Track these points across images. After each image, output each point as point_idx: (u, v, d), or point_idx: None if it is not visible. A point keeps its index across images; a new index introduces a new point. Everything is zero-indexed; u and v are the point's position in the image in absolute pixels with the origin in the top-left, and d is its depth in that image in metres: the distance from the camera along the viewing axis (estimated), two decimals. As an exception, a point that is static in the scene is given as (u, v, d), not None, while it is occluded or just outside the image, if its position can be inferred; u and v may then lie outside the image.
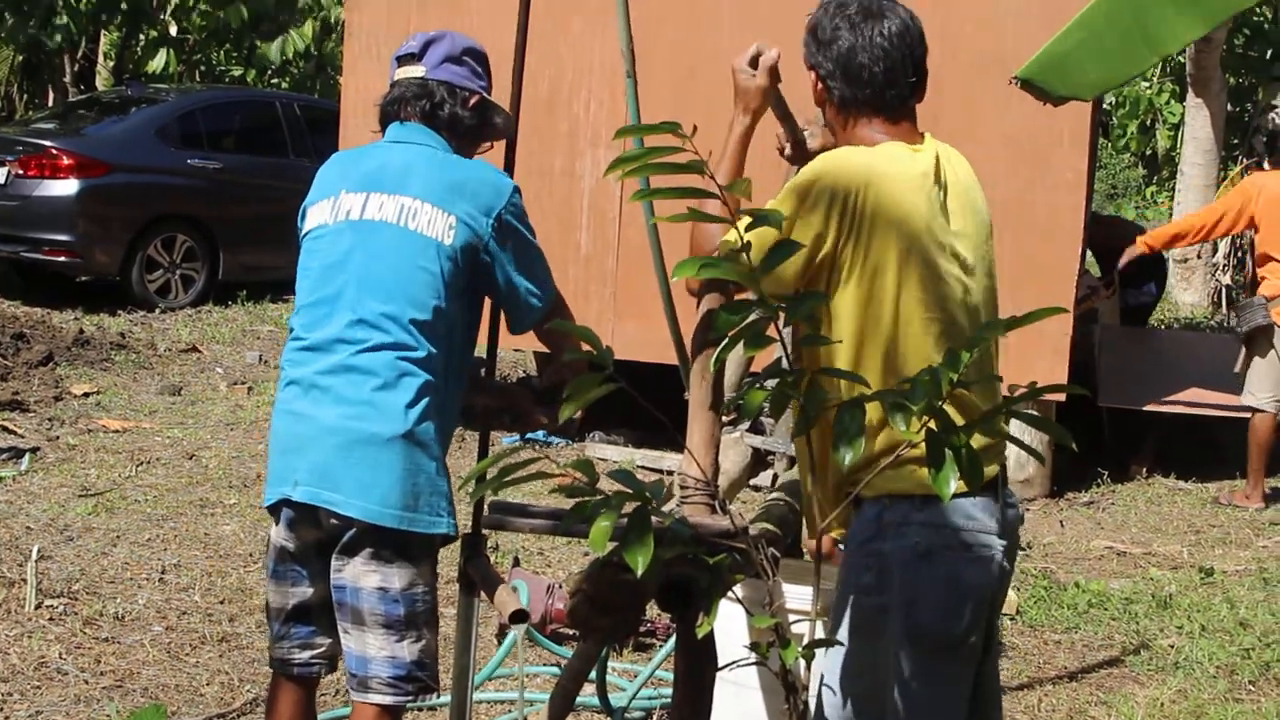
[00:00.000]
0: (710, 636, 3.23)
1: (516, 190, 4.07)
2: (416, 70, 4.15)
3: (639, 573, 2.61)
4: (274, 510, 4.05)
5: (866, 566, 3.43)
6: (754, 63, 3.65)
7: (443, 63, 4.15)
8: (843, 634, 3.49)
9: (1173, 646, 6.78)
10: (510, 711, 5.53)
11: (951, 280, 3.42)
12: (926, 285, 3.37)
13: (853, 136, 3.54)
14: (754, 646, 3.02)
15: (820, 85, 3.56)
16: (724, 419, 3.87)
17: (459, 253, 3.95)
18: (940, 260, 3.40)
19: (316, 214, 4.11)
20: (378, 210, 3.98)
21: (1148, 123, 27.89)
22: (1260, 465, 9.77)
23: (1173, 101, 26.15)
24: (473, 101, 4.16)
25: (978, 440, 3.27)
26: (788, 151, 4.02)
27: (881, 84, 3.48)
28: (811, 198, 3.33)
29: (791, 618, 3.17)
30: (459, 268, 3.96)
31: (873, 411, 3.05)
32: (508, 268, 4.03)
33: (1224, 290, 18.09)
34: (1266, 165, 17.49)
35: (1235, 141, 21.52)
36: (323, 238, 4.06)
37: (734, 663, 3.16)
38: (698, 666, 3.33)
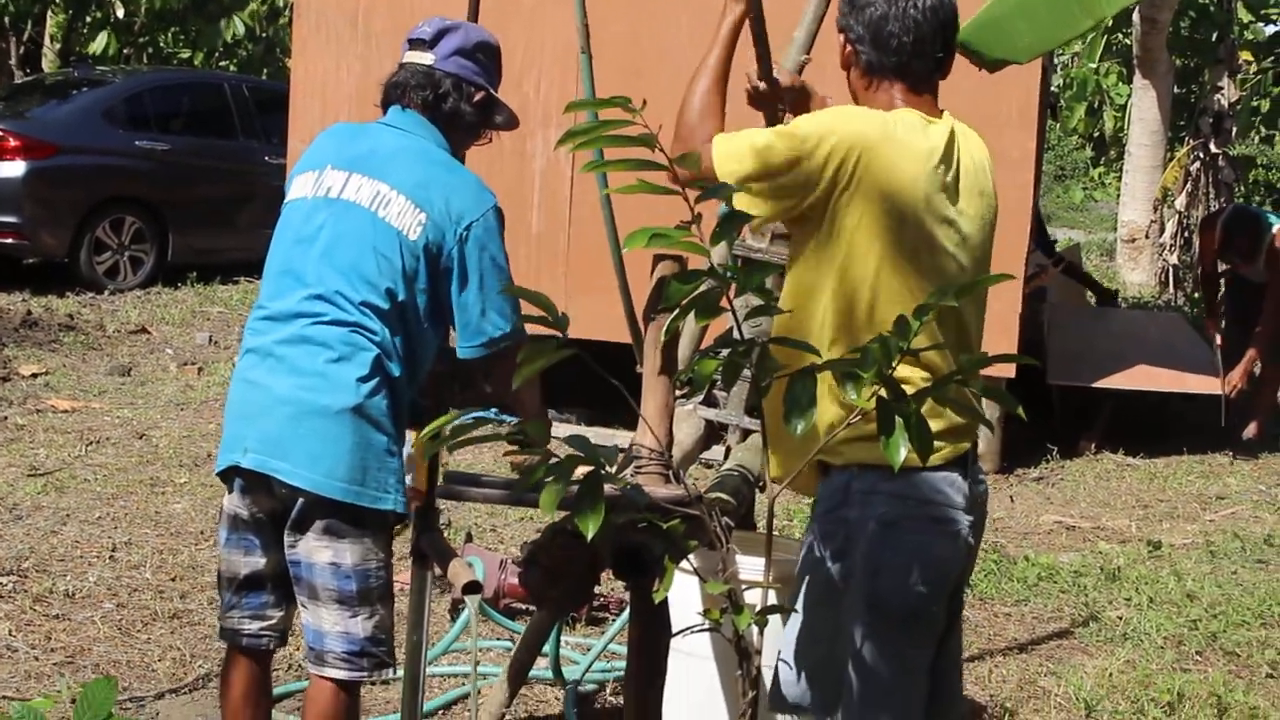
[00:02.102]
0: (665, 605, 3.25)
1: (496, 211, 4.03)
2: (426, 57, 4.12)
3: (590, 538, 2.62)
4: (225, 478, 4.04)
5: (831, 534, 3.45)
6: None
7: (453, 54, 4.11)
8: (804, 601, 3.52)
9: (1121, 618, 6.84)
10: (464, 685, 5.54)
11: (946, 257, 3.42)
12: (918, 256, 3.37)
13: (873, 101, 3.53)
14: (707, 613, 3.04)
15: (848, 48, 3.55)
16: (677, 392, 3.89)
17: (421, 250, 3.94)
18: (937, 234, 3.40)
19: (301, 185, 4.10)
20: (355, 192, 3.98)
21: (1095, 104, 28.05)
22: None
23: (1120, 83, 26.31)
24: (478, 98, 4.13)
25: (950, 418, 3.31)
26: (761, 87, 3.98)
27: (909, 54, 3.48)
28: (814, 141, 3.32)
29: (744, 588, 3.19)
30: (419, 264, 3.95)
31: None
32: (467, 280, 3.98)
33: (1171, 270, 18.21)
34: (1213, 146, 17.73)
35: (1182, 123, 21.68)
36: (300, 210, 4.06)
37: (688, 628, 3.18)
38: (652, 635, 3.35)
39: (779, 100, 3.97)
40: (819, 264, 3.38)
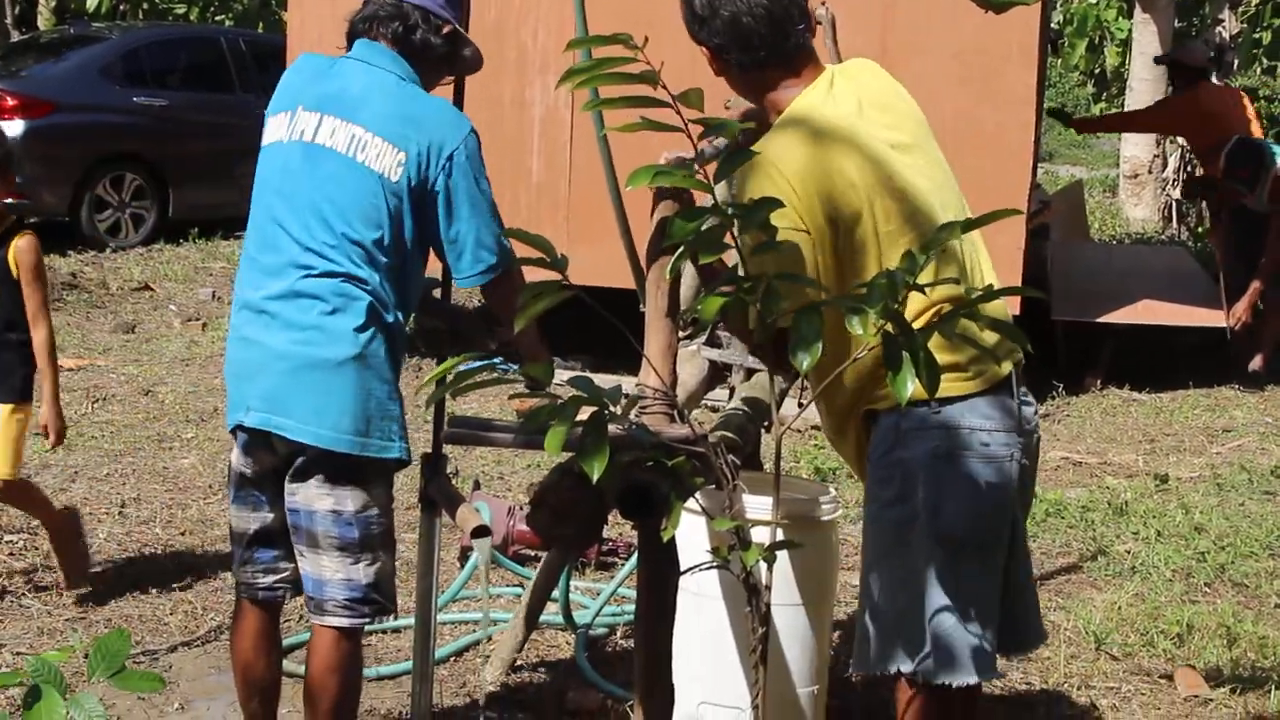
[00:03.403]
0: (673, 544, 3.25)
1: (474, 134, 3.99)
2: None
3: (595, 478, 2.62)
4: (234, 434, 4.05)
5: (889, 478, 3.46)
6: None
7: None
8: (875, 553, 3.53)
9: (1129, 552, 6.86)
10: (474, 632, 5.56)
11: (916, 192, 3.43)
12: (895, 212, 3.38)
13: (765, 100, 3.54)
14: (715, 551, 3.04)
15: (715, 60, 3.54)
16: (681, 333, 3.88)
17: (405, 189, 3.90)
18: (896, 181, 3.41)
19: (275, 127, 4.05)
20: (329, 136, 3.93)
21: (1096, 40, 27.92)
22: None
23: (1120, 18, 26.17)
24: (445, 30, 4.06)
25: (990, 336, 3.31)
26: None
27: (773, 40, 3.46)
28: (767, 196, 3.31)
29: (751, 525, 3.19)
30: (404, 204, 3.91)
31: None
32: (456, 210, 3.95)
33: (1174, 205, 18.15)
34: (1214, 79, 17.65)
35: (1183, 56, 21.56)
36: (277, 155, 4.01)
37: (695, 566, 3.19)
38: (660, 574, 3.34)
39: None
40: (837, 277, 3.38)
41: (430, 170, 3.91)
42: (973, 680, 3.48)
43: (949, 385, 3.10)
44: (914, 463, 3.41)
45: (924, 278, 2.97)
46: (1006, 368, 3.46)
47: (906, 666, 3.50)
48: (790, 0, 3.47)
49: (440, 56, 4.09)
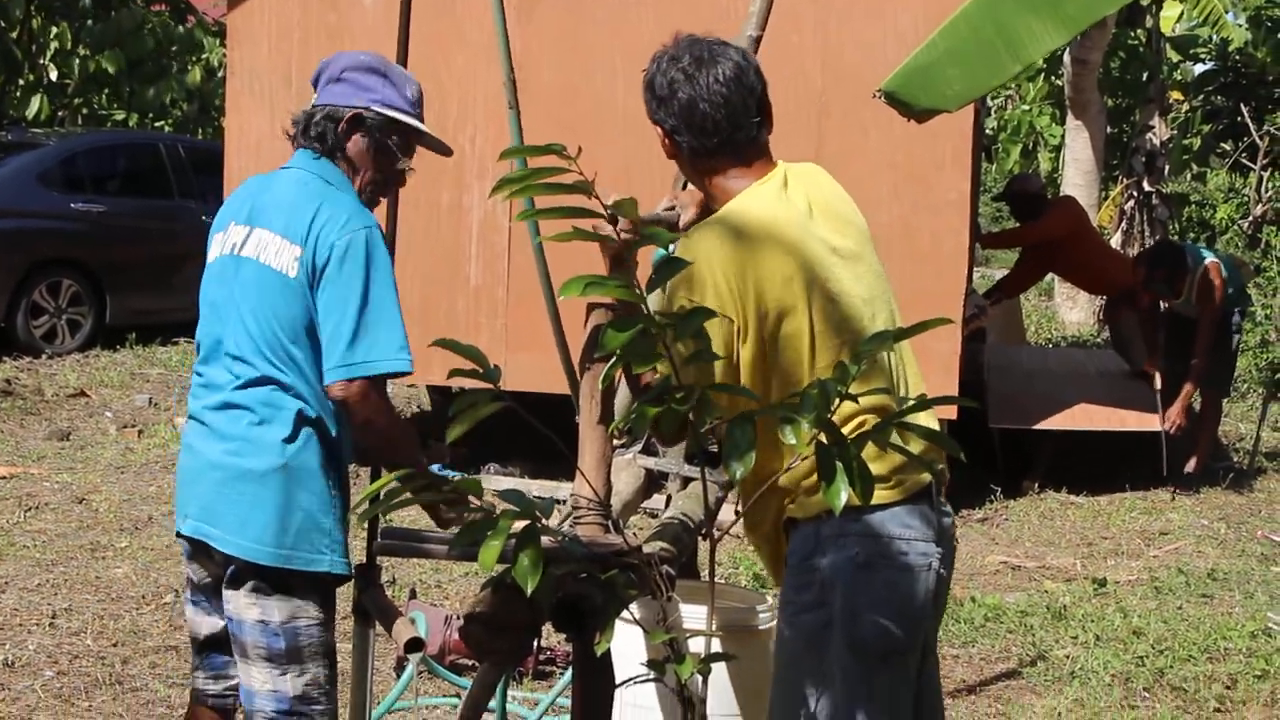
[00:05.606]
0: (608, 656, 3.23)
1: (371, 230, 3.89)
2: (313, 99, 4.12)
3: (529, 591, 2.60)
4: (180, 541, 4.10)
5: (807, 584, 3.44)
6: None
7: (326, 85, 4.10)
8: (787, 657, 3.51)
9: (1068, 657, 6.85)
10: (410, 744, 5.50)
11: (851, 299, 3.44)
12: (829, 315, 3.39)
13: (711, 186, 3.54)
14: (651, 663, 3.02)
15: (668, 140, 3.55)
16: (616, 442, 3.87)
17: (303, 286, 3.87)
18: (833, 285, 3.42)
19: (216, 245, 4.09)
20: (246, 245, 3.97)
21: (1029, 146, 28.26)
22: None
23: (1053, 124, 26.51)
24: (348, 116, 4.03)
25: (916, 445, 3.30)
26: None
27: (728, 129, 3.47)
28: (697, 287, 3.33)
29: (687, 636, 3.17)
30: (308, 298, 3.87)
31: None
32: (332, 302, 3.84)
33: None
34: (1146, 184, 17.90)
35: (1115, 162, 21.88)
36: (213, 271, 4.07)
37: (631, 679, 3.17)
38: (595, 687, 3.32)
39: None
40: (760, 370, 3.38)
41: (317, 261, 3.85)
42: None
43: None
44: (832, 569, 3.40)
45: (853, 387, 2.98)
46: (926, 477, 3.45)
47: None
48: (749, 92, 3.47)
49: (361, 149, 4.05)
